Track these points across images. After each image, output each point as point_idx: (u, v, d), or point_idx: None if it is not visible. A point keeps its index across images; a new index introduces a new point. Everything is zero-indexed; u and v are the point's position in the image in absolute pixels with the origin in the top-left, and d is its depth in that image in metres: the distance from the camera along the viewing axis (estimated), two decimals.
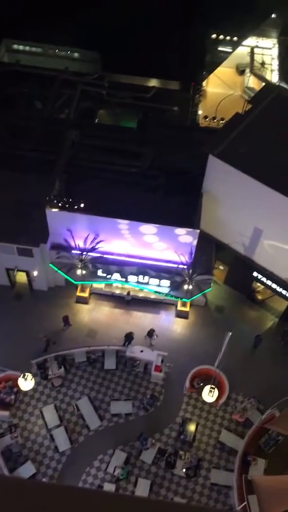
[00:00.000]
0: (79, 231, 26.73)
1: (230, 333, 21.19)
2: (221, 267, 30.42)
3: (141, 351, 26.79)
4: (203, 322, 29.41)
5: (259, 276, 28.34)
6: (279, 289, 27.97)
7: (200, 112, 37.76)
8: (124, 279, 28.32)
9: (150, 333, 27.68)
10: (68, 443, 24.50)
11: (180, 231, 25.84)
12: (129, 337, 27.47)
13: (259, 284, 29.71)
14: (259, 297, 30.66)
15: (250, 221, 26.01)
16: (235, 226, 26.92)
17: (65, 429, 24.87)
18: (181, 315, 29.53)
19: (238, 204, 25.77)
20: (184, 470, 23.90)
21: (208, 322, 29.33)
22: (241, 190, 24.75)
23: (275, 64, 37.04)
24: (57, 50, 40.73)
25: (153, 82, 38.01)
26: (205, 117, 37.51)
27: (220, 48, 38.61)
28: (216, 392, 24.29)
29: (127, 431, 25.06)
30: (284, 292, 27.85)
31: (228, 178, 24.82)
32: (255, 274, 28.37)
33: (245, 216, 26.00)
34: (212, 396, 24.21)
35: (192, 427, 25.13)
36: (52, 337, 27.46)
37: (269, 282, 28.15)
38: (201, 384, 25.83)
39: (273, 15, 38.81)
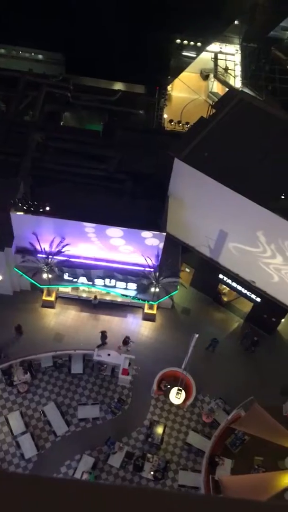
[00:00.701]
0: (45, 235, 26.43)
1: (197, 335, 21.40)
2: (188, 270, 30.70)
3: (108, 354, 26.71)
4: (170, 325, 29.57)
5: (225, 278, 28.74)
6: (244, 291, 28.43)
7: (165, 116, 38.04)
8: (90, 283, 28.18)
9: (126, 341, 27.57)
10: (34, 450, 24.13)
11: (147, 234, 25.93)
12: (104, 336, 27.42)
13: (224, 286, 30.12)
14: (225, 299, 31.08)
15: (215, 223, 26.35)
16: (201, 229, 27.22)
17: (31, 435, 24.48)
18: (148, 318, 29.60)
19: (203, 207, 26.08)
20: (152, 472, 23.92)
21: (175, 325, 29.51)
22: (206, 193, 25.05)
23: (238, 70, 37.73)
24: (20, 52, 40.21)
25: (119, 86, 38.03)
26: (170, 121, 37.82)
27: (184, 53, 39.04)
28: (183, 394, 24.49)
29: (94, 436, 24.91)
30: (249, 293, 28.34)
31: (194, 181, 25.09)
32: (220, 276, 28.75)
33: (210, 219, 26.33)
34: (179, 398, 24.39)
35: (159, 430, 25.20)
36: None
37: (234, 284, 28.59)
38: (169, 386, 25.96)
39: (235, 22, 39.56)
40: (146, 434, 25.26)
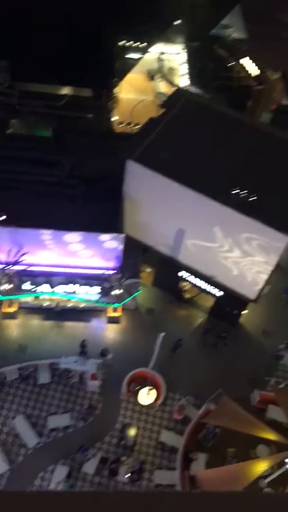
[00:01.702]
0: (1, 245, 25.89)
1: (163, 334, 21.51)
2: (148, 270, 30.80)
3: (75, 361, 26.42)
4: (135, 326, 29.58)
5: (185, 275, 29.01)
6: (205, 286, 28.79)
7: (114, 118, 38.03)
8: (52, 290, 27.80)
9: (104, 353, 27.24)
10: (6, 465, 23.58)
11: (105, 237, 25.85)
12: (83, 346, 27.09)
13: (186, 283, 30.40)
14: (187, 295, 31.37)
15: (172, 222, 26.57)
16: (159, 228, 27.38)
17: (1, 450, 23.90)
18: (112, 320, 29.49)
19: (159, 206, 26.24)
20: (127, 475, 23.83)
21: (140, 325, 29.54)
22: (161, 191, 25.22)
23: (183, 69, 38.15)
24: None
25: (65, 90, 37.71)
26: (120, 123, 37.82)
27: (128, 55, 39.15)
28: (153, 393, 24.55)
29: (67, 445, 24.59)
30: (210, 288, 28.72)
31: (148, 182, 25.21)
32: (181, 273, 29.00)
33: (167, 218, 26.52)
34: (150, 398, 24.43)
35: (132, 432, 25.14)
36: None
37: (195, 281, 28.90)
38: (138, 387, 25.96)
39: (178, 22, 40.00)
40: (119, 437, 25.15)
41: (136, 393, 26.04)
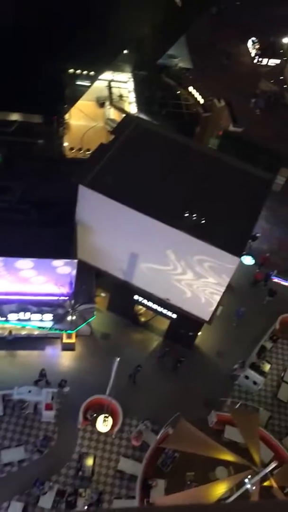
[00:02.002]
0: None
1: (118, 359, 21.30)
2: (103, 294, 30.63)
3: (29, 391, 25.66)
4: (90, 352, 29.16)
5: (140, 299, 29.05)
6: (160, 309, 28.91)
7: (65, 144, 38.17)
8: (3, 318, 27.07)
9: (62, 384, 26.53)
10: None
11: (58, 262, 25.58)
12: (43, 374, 26.31)
13: (141, 307, 30.42)
14: (142, 319, 31.36)
15: (125, 246, 26.68)
16: (112, 252, 27.40)
17: None
18: (67, 347, 28.95)
19: (112, 231, 26.33)
20: (85, 507, 23.12)
21: (95, 351, 29.15)
22: (113, 216, 25.36)
23: (132, 97, 38.99)
24: None
25: (15, 116, 37.58)
26: (71, 148, 37.98)
27: (78, 82, 39.63)
28: (110, 420, 24.15)
29: (21, 479, 23.62)
30: (164, 311, 28.86)
31: (100, 206, 25.31)
32: (136, 297, 29.03)
33: (120, 242, 26.62)
34: (107, 425, 24.01)
35: (90, 461, 24.52)
36: None
37: (150, 304, 28.99)
38: (95, 415, 25.46)
39: (125, 51, 41.03)
40: (76, 468, 24.46)
41: (93, 421, 25.52)
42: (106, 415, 24.03)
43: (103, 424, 24.25)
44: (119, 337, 30.17)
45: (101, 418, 24.52)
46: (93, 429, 25.67)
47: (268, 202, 33.30)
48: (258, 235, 35.85)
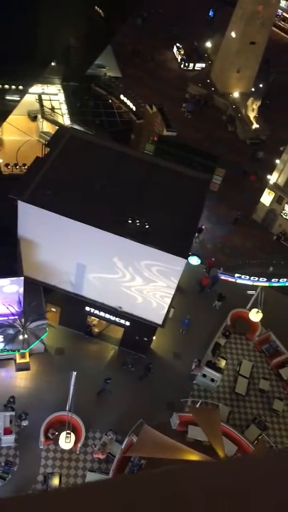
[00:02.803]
0: None
1: (75, 373, 21.01)
2: (54, 309, 30.10)
3: None
4: (46, 369, 28.55)
5: (92, 310, 28.83)
6: (112, 318, 28.80)
7: (0, 160, 37.41)
8: None
9: (21, 417, 25.54)
10: None
11: (4, 281, 24.92)
12: (10, 401, 25.35)
13: (93, 318, 30.18)
14: (96, 330, 31.12)
15: (71, 258, 26.42)
16: (59, 266, 27.04)
17: None
18: (21, 367, 28.17)
19: (56, 244, 26.00)
20: None
21: (51, 368, 28.58)
22: (56, 229, 25.07)
23: (64, 108, 38.81)
24: None
25: None
26: (7, 164, 37.28)
27: (7, 97, 39.01)
28: (72, 436, 23.72)
29: None
30: (117, 320, 28.78)
31: (41, 221, 24.94)
32: (87, 308, 28.78)
33: (65, 255, 26.34)
34: (70, 442, 23.57)
35: (55, 481, 23.92)
36: None
37: (102, 314, 28.82)
38: (56, 433, 24.93)
39: (53, 63, 40.84)
40: (42, 490, 23.79)
41: (55, 440, 24.97)
42: (68, 431, 23.58)
43: (66, 441, 23.77)
44: (74, 350, 29.75)
45: (63, 435, 24.03)
46: (56, 447, 25.12)
47: (208, 202, 34.11)
48: (203, 227, 36.55)
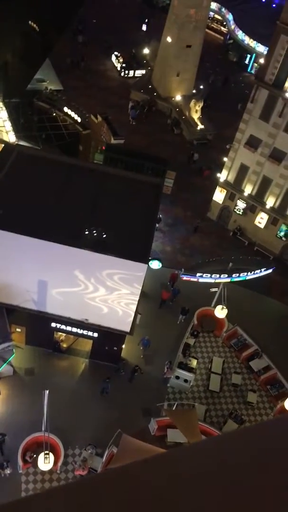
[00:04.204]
0: None
1: (47, 392, 20.64)
2: (19, 329, 29.51)
3: None
4: (17, 392, 27.90)
5: (58, 325, 28.46)
6: (80, 331, 28.53)
7: None
8: None
9: (3, 465, 24.66)
10: None
11: None
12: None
13: (60, 333, 29.79)
14: (64, 345, 30.72)
15: (32, 276, 26.01)
16: (20, 285, 26.55)
17: None
18: None
19: (14, 263, 25.53)
20: None
21: (22, 390, 27.96)
22: (13, 248, 24.63)
23: (8, 126, 38.26)
24: None
25: None
26: None
27: None
28: (51, 456, 23.28)
29: None
30: (85, 332, 28.53)
31: None
32: (53, 324, 28.38)
33: (25, 273, 25.90)
34: (49, 462, 23.11)
35: None
36: None
37: (69, 328, 28.50)
38: (34, 455, 24.39)
39: None
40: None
41: (34, 462, 24.41)
42: (46, 451, 23.10)
43: (45, 462, 23.28)
44: (44, 369, 29.26)
45: (41, 456, 23.53)
46: (35, 470, 24.58)
47: (162, 205, 34.44)
48: (160, 216, 36.52)
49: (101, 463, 24.25)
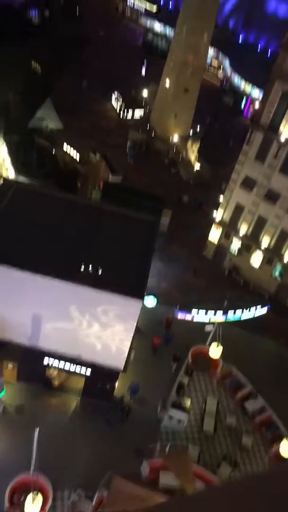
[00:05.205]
0: None
1: (38, 430, 20.14)
2: (10, 365, 29.05)
3: None
4: (6, 430, 27.19)
5: (51, 362, 28.06)
6: (72, 368, 28.11)
7: None
8: None
9: None
10: None
11: None
12: None
13: (53, 370, 29.33)
14: (56, 382, 30.18)
15: (27, 310, 25.84)
16: (14, 320, 26.33)
17: None
18: None
19: (10, 298, 25.41)
20: None
21: (11, 428, 27.24)
22: (9, 283, 24.57)
23: (8, 162, 38.93)
24: None
25: None
26: None
27: None
28: (39, 497, 22.47)
29: None
30: (78, 369, 28.11)
31: None
32: (46, 360, 27.98)
33: (20, 307, 25.75)
34: (37, 505, 22.29)
35: None
36: None
37: (61, 364, 28.08)
38: (22, 498, 23.53)
39: None
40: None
41: (22, 504, 23.52)
42: (35, 491, 22.30)
43: (33, 504, 22.44)
44: (35, 406, 28.61)
45: (29, 498, 22.70)
46: None
47: (159, 242, 34.66)
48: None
49: (91, 507, 23.39)
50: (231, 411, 30.78)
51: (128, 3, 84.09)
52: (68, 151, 45.32)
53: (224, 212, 40.68)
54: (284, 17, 71.68)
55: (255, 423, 30.25)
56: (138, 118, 59.51)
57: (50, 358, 27.86)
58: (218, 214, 41.18)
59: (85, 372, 28.16)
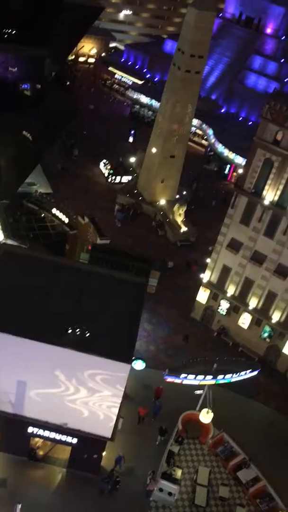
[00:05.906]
0: None
1: (20, 505, 19.01)
2: None
3: None
4: None
5: (35, 431, 26.92)
6: (58, 437, 26.97)
7: None
8: None
9: None
10: None
11: None
12: None
13: (37, 439, 28.08)
14: (41, 452, 28.78)
15: (10, 375, 25.09)
16: None
17: None
18: None
19: None
20: None
21: None
22: None
23: None
24: None
25: None
26: None
27: None
28: None
29: None
30: (63, 438, 26.96)
31: None
32: (30, 429, 26.85)
33: (2, 373, 25.01)
34: None
35: None
36: None
37: (46, 433, 26.95)
38: None
39: None
40: None
41: None
42: None
43: None
44: (17, 479, 27.10)
45: None
46: None
47: (146, 304, 34.50)
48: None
49: None
50: (224, 482, 29.43)
51: (115, 77, 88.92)
52: (57, 214, 46.04)
53: (211, 274, 40.99)
54: (262, 91, 76.06)
55: (249, 495, 28.88)
56: (126, 182, 61.15)
57: (35, 427, 26.75)
58: (205, 276, 41.45)
59: (71, 441, 27.00)
